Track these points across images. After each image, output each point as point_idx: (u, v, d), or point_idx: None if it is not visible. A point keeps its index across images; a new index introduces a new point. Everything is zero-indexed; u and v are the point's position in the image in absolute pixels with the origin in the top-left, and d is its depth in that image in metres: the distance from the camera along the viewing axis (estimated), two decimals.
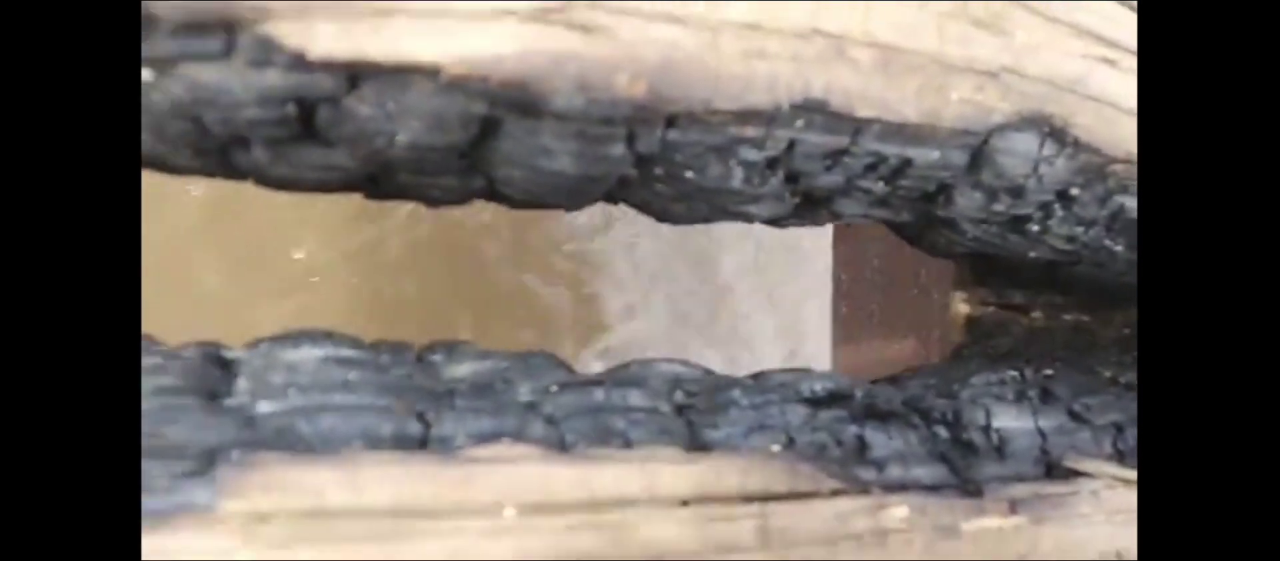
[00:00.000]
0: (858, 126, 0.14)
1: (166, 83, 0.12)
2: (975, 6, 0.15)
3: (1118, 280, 0.20)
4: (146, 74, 0.12)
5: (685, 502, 0.13)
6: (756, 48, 0.14)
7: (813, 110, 0.14)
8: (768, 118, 0.14)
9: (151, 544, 0.12)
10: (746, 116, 0.14)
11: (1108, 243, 0.18)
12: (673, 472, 0.14)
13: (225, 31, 0.11)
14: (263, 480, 0.12)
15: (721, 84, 0.14)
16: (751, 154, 0.14)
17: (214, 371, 0.13)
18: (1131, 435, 0.18)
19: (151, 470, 0.13)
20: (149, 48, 0.12)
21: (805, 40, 0.14)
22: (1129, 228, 0.18)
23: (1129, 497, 0.17)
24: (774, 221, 0.17)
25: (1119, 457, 0.17)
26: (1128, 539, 0.17)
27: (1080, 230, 0.18)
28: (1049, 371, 0.19)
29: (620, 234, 0.43)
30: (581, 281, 0.42)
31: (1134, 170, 0.17)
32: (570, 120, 0.13)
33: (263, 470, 0.12)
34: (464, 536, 0.13)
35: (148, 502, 0.12)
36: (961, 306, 0.22)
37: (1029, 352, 0.20)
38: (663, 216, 0.16)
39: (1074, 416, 0.18)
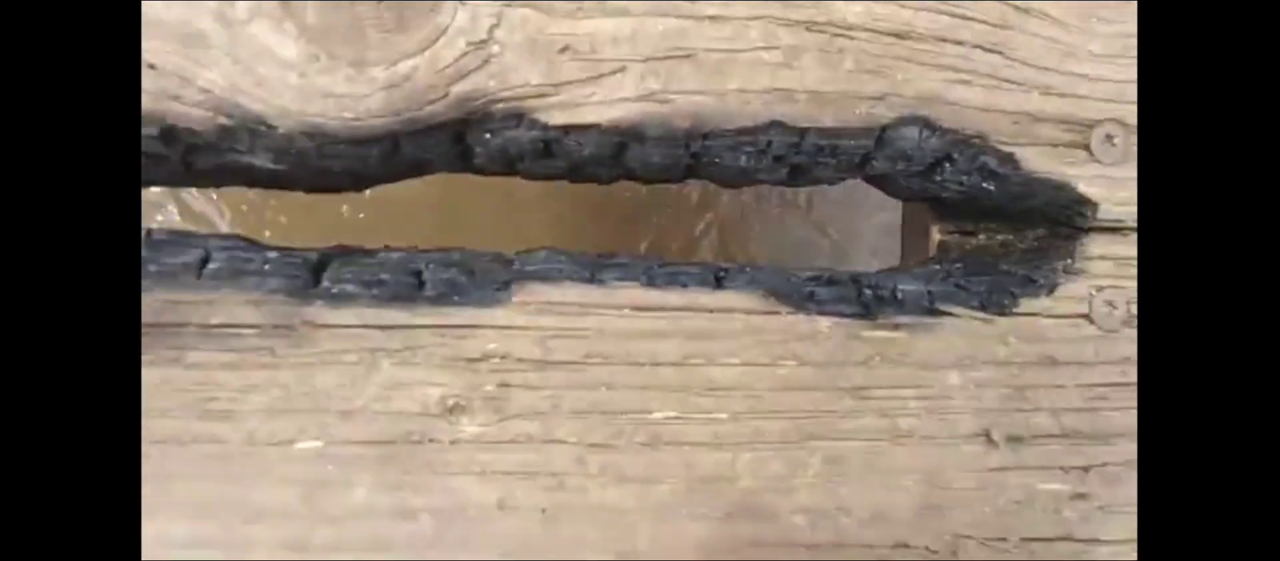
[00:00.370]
0: (802, 133, 0.29)
1: (493, 141, 0.29)
2: (869, 60, 0.29)
3: (1015, 208, 0.32)
4: (486, 136, 0.30)
5: (711, 311, 0.29)
6: (743, 98, 0.28)
7: (773, 127, 0.28)
8: (750, 132, 0.29)
9: (476, 314, 0.30)
10: (740, 132, 0.29)
11: (984, 185, 0.30)
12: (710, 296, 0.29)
13: (516, 118, 0.28)
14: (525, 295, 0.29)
15: (727, 118, 0.29)
16: (747, 150, 0.29)
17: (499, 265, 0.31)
18: (997, 297, 0.30)
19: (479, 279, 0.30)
20: (486, 129, 0.30)
21: (770, 92, 0.28)
22: (991, 175, 0.30)
23: (983, 326, 0.30)
24: (779, 183, 0.31)
25: (982, 307, 0.30)
26: (974, 349, 0.29)
27: (965, 177, 0.30)
28: (959, 264, 0.32)
29: None
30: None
31: (986, 141, 0.29)
32: (659, 141, 0.29)
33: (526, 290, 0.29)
34: None
35: (478, 295, 0.29)
36: (935, 234, 0.35)
37: (967, 259, 0.33)
38: (718, 183, 0.32)
39: (958, 286, 0.30)
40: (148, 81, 0.26)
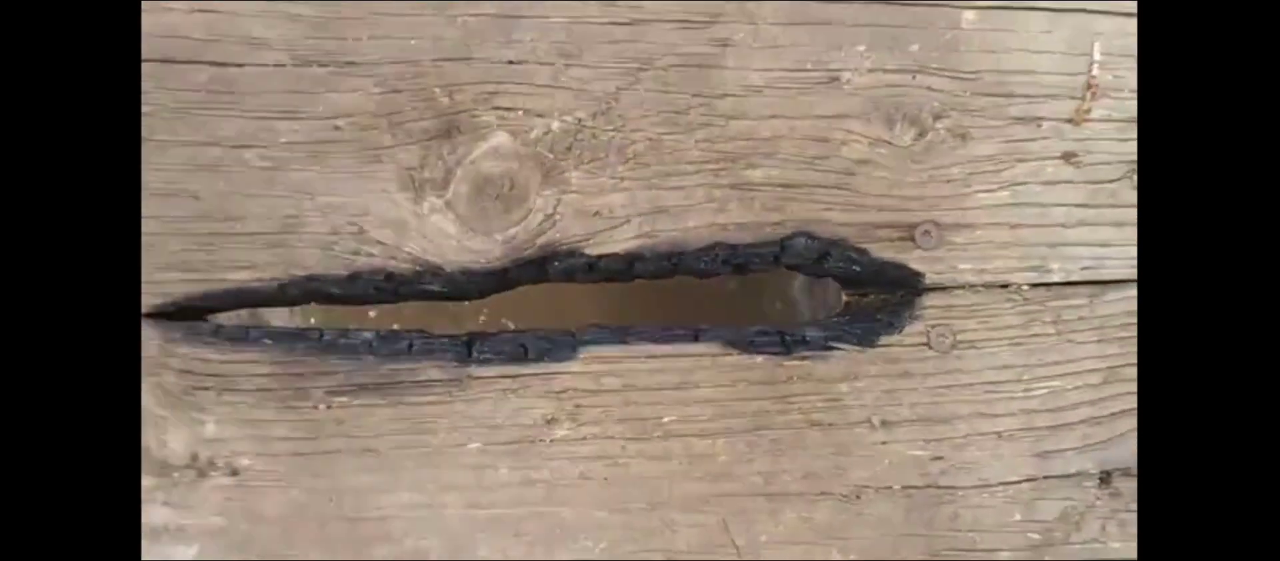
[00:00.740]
0: (733, 247, 0.49)
1: (559, 266, 0.50)
2: (772, 203, 0.49)
3: (876, 279, 0.51)
4: (556, 264, 0.51)
5: (694, 356, 0.49)
6: (697, 231, 0.49)
7: (717, 246, 0.49)
8: (704, 250, 0.49)
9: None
10: (698, 251, 0.49)
11: (853, 268, 0.50)
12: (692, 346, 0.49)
13: (572, 253, 0.49)
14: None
15: (688, 243, 0.49)
16: (704, 260, 0.49)
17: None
18: (868, 335, 0.49)
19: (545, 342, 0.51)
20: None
21: (712, 226, 0.49)
22: (854, 262, 0.49)
23: (859, 354, 0.49)
24: (730, 274, 0.52)
25: (858, 343, 0.49)
26: (855, 369, 0.49)
27: (839, 264, 0.50)
28: (846, 317, 0.51)
29: None
30: None
31: (847, 243, 0.49)
32: (652, 259, 0.50)
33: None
34: None
35: (560, 355, 0.50)
36: (844, 297, 0.54)
37: (853, 312, 0.52)
38: (692, 275, 0.52)
39: (844, 330, 0.50)
40: (375, 249, 0.48)
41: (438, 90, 0.47)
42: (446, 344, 0.49)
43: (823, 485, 0.49)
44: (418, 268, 0.48)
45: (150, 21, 0.46)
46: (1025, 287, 0.50)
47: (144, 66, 0.46)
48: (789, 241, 0.49)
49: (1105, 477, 0.49)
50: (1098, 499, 0.50)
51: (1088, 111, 0.51)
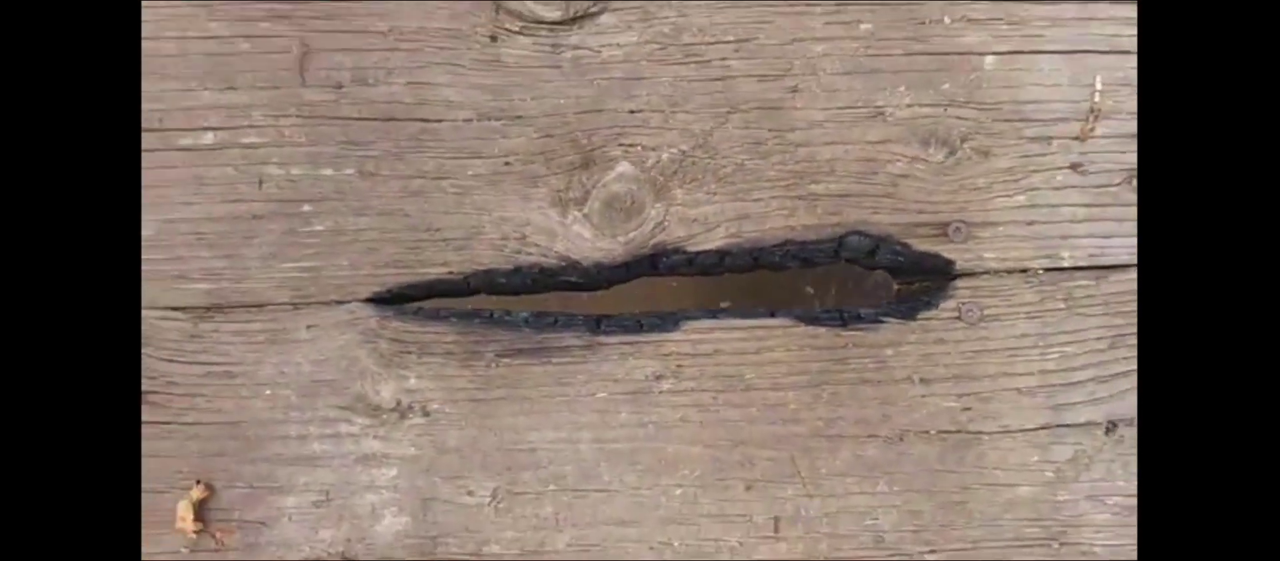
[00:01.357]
0: (802, 244, 0.63)
1: (666, 262, 0.66)
2: (830, 208, 0.63)
3: (917, 268, 0.64)
4: (664, 260, 0.67)
5: (770, 328, 0.64)
6: (773, 232, 0.64)
7: (789, 243, 0.63)
8: (778, 246, 0.64)
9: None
10: (773, 247, 0.64)
11: (898, 258, 0.63)
12: (770, 320, 0.64)
13: (677, 251, 0.65)
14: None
15: (767, 243, 0.64)
16: (778, 254, 0.64)
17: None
18: (910, 311, 0.62)
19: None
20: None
21: (785, 228, 0.64)
22: (899, 255, 0.63)
23: (902, 325, 0.62)
24: (799, 267, 0.66)
25: (902, 318, 0.62)
26: (899, 337, 0.62)
27: (887, 257, 0.63)
28: (894, 301, 0.64)
29: None
30: None
31: (892, 239, 0.62)
32: (739, 255, 0.65)
33: None
34: None
35: (666, 327, 0.66)
36: (894, 286, 0.67)
37: (901, 296, 0.65)
38: (768, 269, 0.67)
39: (890, 308, 0.63)
40: (533, 250, 0.65)
41: (579, 134, 0.64)
42: (581, 319, 0.65)
43: (872, 429, 0.62)
44: (562, 263, 0.65)
45: (375, 92, 0.65)
46: (1040, 272, 0.62)
47: (371, 124, 0.65)
48: (845, 239, 0.63)
49: (1111, 426, 0.60)
50: (1104, 444, 0.60)
51: (1091, 130, 0.63)
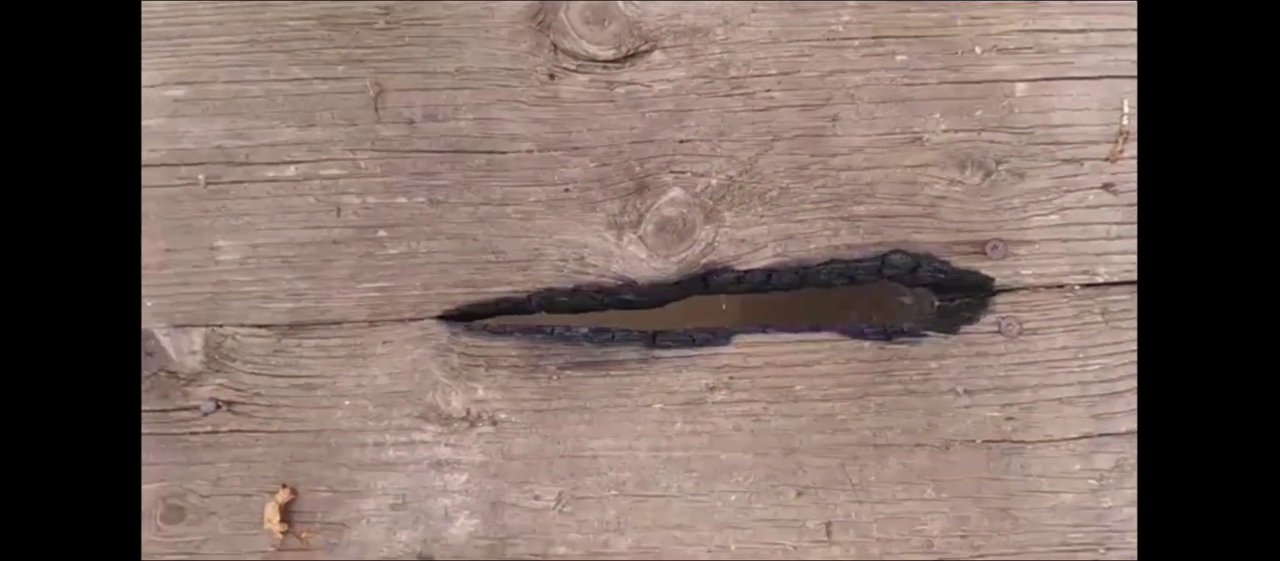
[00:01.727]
0: (846, 263, 0.67)
1: (717, 280, 0.70)
2: (872, 228, 0.67)
3: (957, 285, 0.67)
4: (715, 278, 0.71)
5: (817, 341, 0.67)
6: (819, 251, 0.67)
7: (834, 262, 0.67)
8: (824, 265, 0.67)
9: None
10: (820, 265, 0.67)
11: (939, 275, 0.66)
12: (816, 334, 0.67)
13: (726, 270, 0.69)
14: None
15: (813, 261, 0.68)
16: (824, 273, 0.67)
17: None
18: (952, 324, 0.65)
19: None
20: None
21: (830, 247, 0.67)
22: (940, 272, 0.66)
23: (944, 339, 0.65)
24: (843, 284, 0.69)
25: (943, 332, 0.65)
26: (941, 351, 0.65)
27: (928, 274, 0.66)
28: (937, 315, 0.67)
29: None
30: None
31: (933, 258, 0.66)
32: (785, 273, 0.68)
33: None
34: None
35: (719, 342, 0.69)
36: (934, 301, 0.71)
37: (941, 310, 0.68)
38: (815, 286, 0.70)
39: (933, 323, 0.66)
40: (591, 271, 0.69)
41: (633, 162, 0.69)
42: (638, 334, 0.69)
43: (918, 438, 0.65)
44: (619, 282, 0.69)
45: (444, 127, 0.70)
46: (1077, 287, 0.65)
47: (441, 156, 0.70)
48: (888, 257, 0.67)
49: None
50: None
51: (1121, 151, 0.66)
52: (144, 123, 0.68)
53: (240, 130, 0.68)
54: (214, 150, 0.68)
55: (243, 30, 0.68)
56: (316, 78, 0.68)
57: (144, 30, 0.67)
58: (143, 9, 0.68)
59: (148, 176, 0.68)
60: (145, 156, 0.68)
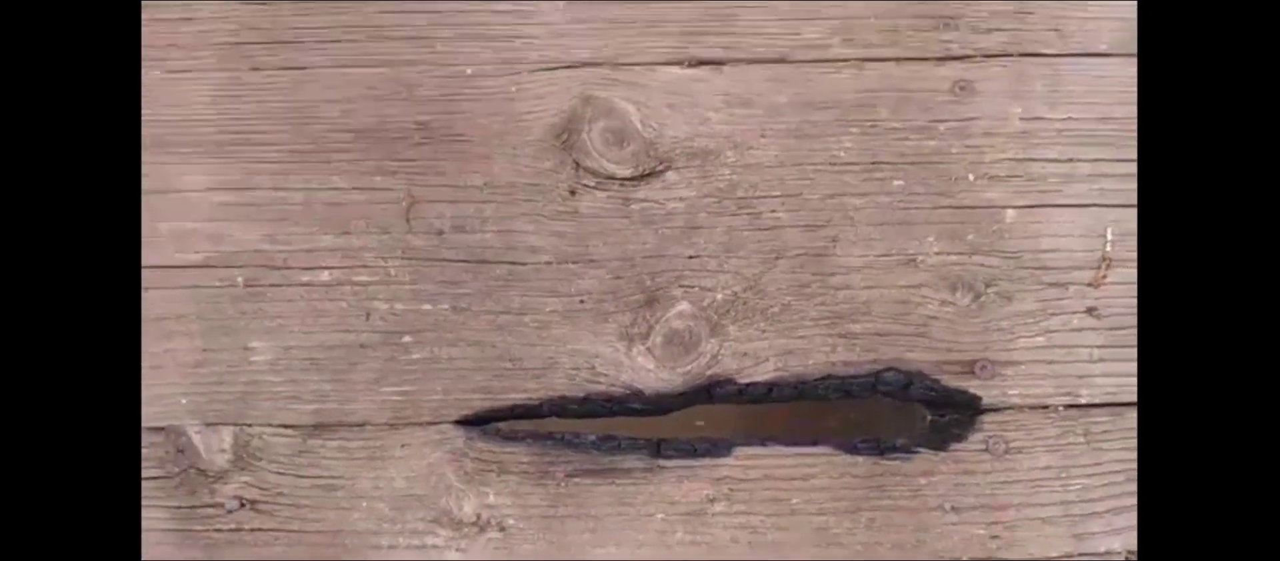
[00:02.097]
0: (842, 379, 0.71)
1: (720, 392, 0.74)
2: (867, 345, 0.71)
3: (947, 402, 0.70)
4: (718, 390, 0.75)
5: (814, 454, 0.70)
6: (816, 366, 0.71)
7: (830, 378, 0.71)
8: (821, 381, 0.71)
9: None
10: (816, 381, 0.71)
11: (929, 393, 0.70)
12: (813, 448, 0.71)
13: (728, 383, 0.73)
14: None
15: (809, 378, 0.71)
16: (821, 388, 0.71)
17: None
18: (941, 442, 0.69)
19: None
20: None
21: (826, 364, 0.71)
22: (930, 389, 0.69)
23: (934, 456, 0.68)
24: (837, 398, 0.73)
25: (933, 449, 0.69)
26: (931, 467, 0.68)
27: (920, 391, 0.70)
28: (926, 432, 0.71)
29: None
30: None
31: (924, 376, 0.69)
32: (784, 387, 0.72)
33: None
34: None
35: (720, 454, 0.73)
36: (926, 416, 0.74)
37: (932, 426, 0.72)
38: (812, 399, 0.74)
39: (923, 440, 0.69)
40: (601, 380, 0.73)
41: (644, 276, 0.73)
42: (643, 443, 0.73)
43: (908, 553, 0.68)
44: (627, 392, 0.73)
45: (471, 238, 0.75)
46: (1060, 408, 0.68)
47: (466, 265, 0.75)
48: (882, 374, 0.70)
49: (1130, 557, 0.65)
50: None
51: (1104, 277, 0.70)
52: (189, 225, 0.72)
53: (280, 235, 0.72)
54: (254, 253, 0.72)
55: (288, 140, 0.72)
56: (354, 188, 0.73)
57: (194, 139, 0.72)
58: (192, 116, 0.73)
59: (190, 276, 0.72)
60: (189, 258, 0.72)
